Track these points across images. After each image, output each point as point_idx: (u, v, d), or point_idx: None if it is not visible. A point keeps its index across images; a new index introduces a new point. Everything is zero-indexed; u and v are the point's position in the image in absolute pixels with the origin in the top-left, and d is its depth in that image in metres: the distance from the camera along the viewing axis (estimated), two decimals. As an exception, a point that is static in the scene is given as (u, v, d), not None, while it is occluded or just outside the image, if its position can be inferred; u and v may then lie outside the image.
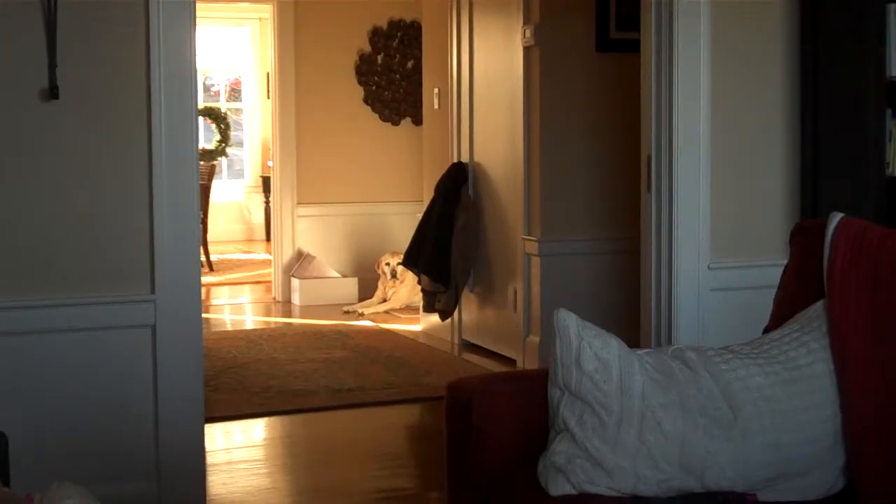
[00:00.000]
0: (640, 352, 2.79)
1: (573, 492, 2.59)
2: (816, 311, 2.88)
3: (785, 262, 3.22)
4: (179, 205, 3.88)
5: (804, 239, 3.09)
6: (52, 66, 3.71)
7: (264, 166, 14.36)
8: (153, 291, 3.87)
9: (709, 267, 4.41)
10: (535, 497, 2.63)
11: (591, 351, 2.66)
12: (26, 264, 3.75)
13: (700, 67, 4.37)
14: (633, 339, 3.91)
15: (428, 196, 7.78)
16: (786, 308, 3.03)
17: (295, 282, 9.55)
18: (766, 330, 3.06)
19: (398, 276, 8.95)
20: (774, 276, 3.26)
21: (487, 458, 2.83)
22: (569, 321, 2.70)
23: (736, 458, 2.61)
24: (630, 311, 4.96)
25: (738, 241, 4.50)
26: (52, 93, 3.72)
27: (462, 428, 2.88)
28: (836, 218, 2.99)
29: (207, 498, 4.10)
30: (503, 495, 2.76)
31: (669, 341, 4.33)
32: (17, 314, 3.73)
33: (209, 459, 4.13)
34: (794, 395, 2.71)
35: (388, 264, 9.10)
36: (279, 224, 9.88)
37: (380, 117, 10.00)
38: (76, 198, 3.80)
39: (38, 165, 3.75)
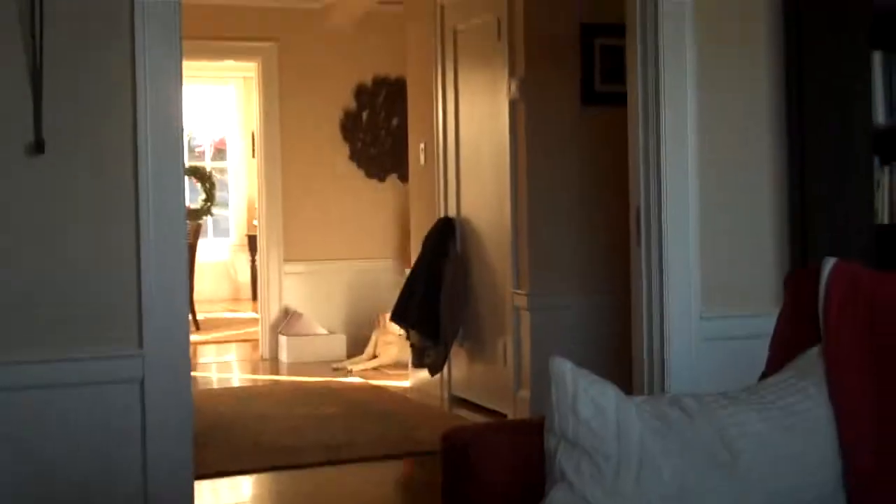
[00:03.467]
0: (637, 399, 2.77)
1: (572, 541, 2.55)
2: (813, 356, 2.86)
3: (776, 311, 3.20)
4: (167, 258, 3.85)
5: (798, 284, 3.08)
6: (38, 119, 3.69)
7: (250, 225, 14.35)
8: (141, 346, 3.83)
9: (700, 317, 4.39)
10: (533, 547, 2.59)
11: (587, 397, 2.63)
12: (12, 319, 3.70)
13: (687, 119, 4.37)
14: (626, 391, 3.87)
15: (415, 252, 7.77)
16: (782, 354, 3.01)
17: (282, 339, 9.51)
18: (763, 376, 3.04)
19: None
20: (766, 325, 3.24)
21: (484, 509, 2.79)
22: (564, 368, 2.68)
23: (736, 505, 2.58)
24: (622, 364, 4.93)
25: (729, 290, 4.48)
26: (38, 147, 3.69)
27: (458, 477, 2.84)
28: (830, 262, 2.98)
29: (197, 556, 4.04)
30: (500, 546, 2.72)
31: (663, 392, 4.31)
32: (1, 370, 3.68)
33: (198, 517, 4.08)
34: (792, 440, 2.68)
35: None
36: (266, 281, 9.85)
37: (365, 174, 10.02)
38: (62, 252, 3.76)
39: (23, 220, 3.71)
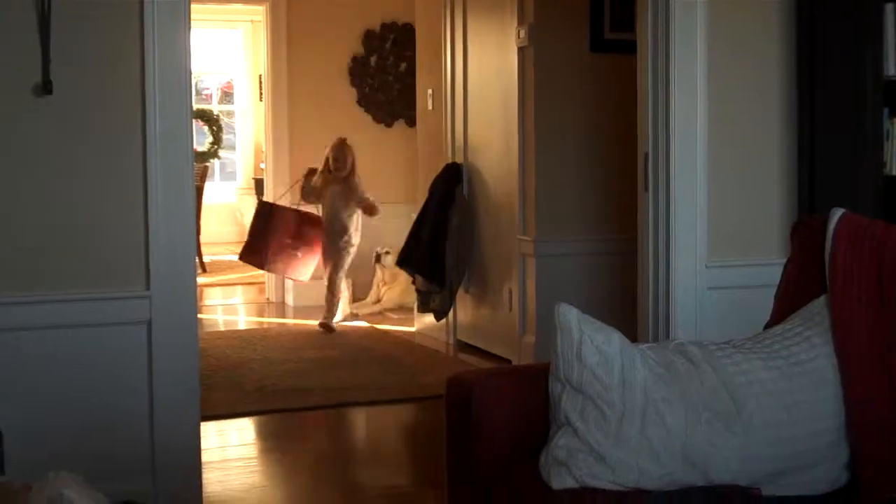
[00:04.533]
0: (641, 346, 2.78)
1: (575, 485, 2.57)
2: (818, 305, 2.87)
3: (782, 260, 3.21)
4: (174, 200, 3.86)
5: (806, 234, 3.08)
6: (46, 61, 3.68)
7: (256, 168, 14.33)
8: (148, 288, 3.85)
9: (706, 266, 4.40)
10: (536, 490, 2.61)
11: (592, 345, 2.64)
12: (21, 260, 3.72)
13: (696, 66, 4.36)
14: (630, 338, 3.88)
15: (422, 197, 7.77)
16: (787, 303, 3.02)
17: (288, 282, 9.53)
18: (768, 325, 3.05)
19: (382, 261, 9.18)
20: (772, 274, 3.25)
21: (488, 452, 2.81)
22: (570, 315, 2.69)
23: (739, 453, 2.59)
24: (626, 311, 4.95)
25: (735, 239, 4.49)
26: (46, 88, 3.69)
27: (462, 422, 2.87)
28: (838, 213, 2.99)
29: (203, 496, 4.07)
30: (504, 489, 2.74)
31: (668, 340, 4.32)
32: (12, 310, 3.70)
33: (203, 457, 4.11)
34: (796, 389, 2.69)
35: (376, 253, 9.19)
36: (272, 225, 9.84)
37: (373, 119, 10.00)
38: (70, 193, 3.77)
39: (32, 160, 3.72)
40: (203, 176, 11.92)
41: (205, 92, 15.79)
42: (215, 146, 14.99)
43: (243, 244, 8.86)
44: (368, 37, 9.96)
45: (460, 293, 7.40)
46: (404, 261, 7.70)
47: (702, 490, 2.55)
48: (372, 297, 9.29)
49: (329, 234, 8.49)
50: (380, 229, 9.19)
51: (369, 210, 8.50)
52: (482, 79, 7.17)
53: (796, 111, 4.53)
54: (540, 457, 2.68)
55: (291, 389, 6.27)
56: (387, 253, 9.08)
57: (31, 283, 3.73)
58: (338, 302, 8.52)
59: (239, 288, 10.89)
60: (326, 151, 8.53)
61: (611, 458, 2.56)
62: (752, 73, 4.49)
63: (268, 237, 8.48)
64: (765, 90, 4.51)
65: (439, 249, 7.27)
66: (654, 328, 4.43)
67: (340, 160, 8.43)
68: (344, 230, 8.43)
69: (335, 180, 8.48)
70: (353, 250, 8.59)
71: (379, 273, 9.25)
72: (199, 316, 5.02)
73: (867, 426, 2.70)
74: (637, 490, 2.54)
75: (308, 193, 8.69)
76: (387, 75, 10.01)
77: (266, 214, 8.66)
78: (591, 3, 6.46)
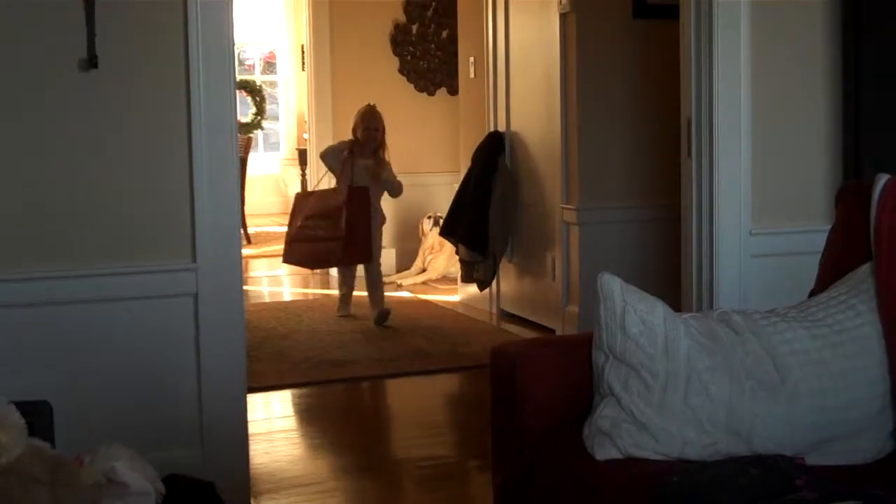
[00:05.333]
0: (685, 315, 2.78)
1: (619, 455, 2.58)
2: (863, 273, 2.85)
3: (827, 227, 3.18)
4: (219, 173, 3.88)
5: (850, 200, 3.05)
6: (91, 35, 3.70)
7: (300, 139, 14.36)
8: (194, 260, 3.88)
9: (750, 233, 4.38)
10: (580, 461, 2.63)
11: (635, 315, 2.64)
12: (67, 234, 3.76)
13: (740, 30, 4.32)
14: (674, 307, 3.85)
15: (465, 166, 7.76)
16: (832, 271, 3.00)
17: (333, 254, 9.55)
18: (812, 293, 3.03)
19: (439, 224, 8.79)
20: (817, 241, 3.22)
21: (531, 423, 2.82)
22: (613, 285, 2.69)
23: (783, 422, 2.59)
24: (670, 279, 4.93)
25: (780, 206, 4.46)
26: (92, 62, 3.71)
27: (506, 393, 2.88)
28: (883, 179, 2.95)
29: (250, 467, 4.11)
30: (548, 459, 2.76)
31: (711, 309, 4.30)
32: (60, 284, 3.74)
33: (250, 429, 4.14)
34: (841, 358, 2.68)
35: (429, 217, 9.13)
36: (316, 196, 9.86)
37: (415, 87, 9.97)
38: (116, 167, 3.80)
39: (77, 135, 3.75)
40: (247, 147, 11.96)
41: (247, 62, 15.82)
42: (259, 117, 15.02)
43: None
44: (410, 4, 9.93)
45: (504, 263, 7.40)
46: (448, 231, 7.70)
47: (746, 459, 2.55)
48: (417, 265, 9.30)
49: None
50: (422, 198, 9.20)
51: (395, 189, 7.57)
52: (524, 46, 7.14)
53: (842, 75, 4.48)
54: (584, 427, 2.69)
55: (337, 360, 6.30)
56: (441, 217, 8.91)
57: (77, 257, 3.77)
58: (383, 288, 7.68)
59: (284, 259, 10.93)
60: (355, 121, 7.57)
61: (654, 427, 2.56)
62: (796, 37, 4.45)
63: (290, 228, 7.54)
64: (810, 54, 4.47)
65: (482, 219, 7.26)
66: (698, 296, 4.41)
67: (372, 129, 7.45)
68: (376, 211, 7.51)
69: (365, 154, 7.46)
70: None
71: (430, 239, 9.21)
72: (245, 287, 5.05)
73: (913, 394, 2.68)
74: (681, 460, 2.55)
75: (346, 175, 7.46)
76: (429, 43, 9.99)
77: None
78: (634, -31, 6.42)
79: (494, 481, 3.02)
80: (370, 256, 7.40)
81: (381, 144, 7.48)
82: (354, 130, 7.53)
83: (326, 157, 7.59)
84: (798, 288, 3.20)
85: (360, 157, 7.42)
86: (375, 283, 7.54)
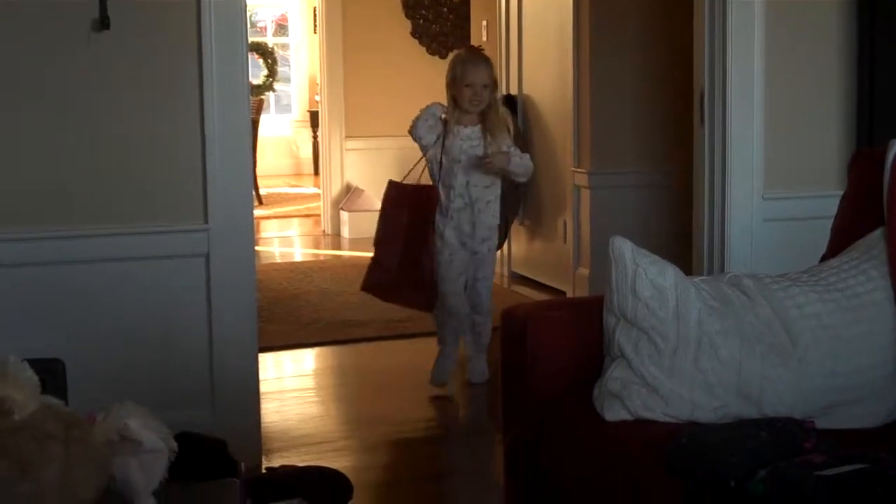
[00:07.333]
0: (696, 279, 2.78)
1: (629, 417, 2.59)
2: (876, 238, 2.84)
3: (840, 192, 3.17)
4: (231, 134, 3.88)
5: (863, 166, 3.05)
6: (104, -6, 3.70)
7: (311, 101, 14.35)
8: (206, 221, 3.88)
9: (763, 197, 4.37)
10: (590, 422, 2.64)
11: (646, 278, 2.64)
12: (80, 194, 3.77)
13: (754, 1, 4.29)
14: (686, 271, 3.88)
15: (477, 128, 7.74)
16: (844, 236, 3.00)
17: (344, 215, 9.57)
18: (824, 258, 3.03)
19: None
20: (829, 206, 3.22)
21: (542, 384, 2.83)
22: (624, 248, 2.69)
23: (793, 385, 2.59)
24: (681, 244, 4.93)
25: (792, 171, 4.45)
26: (104, 23, 3.71)
27: (517, 354, 2.89)
28: (897, 145, 2.95)
29: (261, 426, 4.13)
30: (558, 420, 2.77)
31: (722, 272, 4.30)
32: (72, 243, 3.75)
33: (261, 388, 4.16)
34: (852, 322, 2.68)
35: None
36: (328, 158, 9.88)
37: (427, 50, 9.94)
38: (128, 128, 3.80)
39: (90, 96, 3.76)
40: (258, 109, 11.95)
41: (259, 24, 15.78)
42: (270, 79, 15.01)
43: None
44: (423, -34, 9.89)
45: (515, 225, 7.40)
46: (459, 193, 7.65)
47: (756, 422, 2.55)
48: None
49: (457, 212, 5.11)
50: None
51: (525, 171, 5.22)
52: (537, 9, 7.11)
53: (856, 43, 4.46)
54: (594, 389, 2.70)
55: (348, 321, 6.32)
56: None
57: (89, 216, 3.78)
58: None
59: (295, 220, 10.96)
60: (452, 73, 5.09)
61: (664, 390, 2.57)
62: (811, 7, 4.42)
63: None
64: (824, 25, 4.44)
65: (494, 181, 7.20)
66: (710, 260, 4.41)
67: (479, 85, 4.97)
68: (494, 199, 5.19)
69: (469, 119, 5.05)
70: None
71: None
72: (256, 248, 5.06)
73: (923, 359, 2.68)
74: (691, 422, 2.55)
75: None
76: (441, 6, 9.95)
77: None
78: (649, -67, 6.38)
79: (504, 441, 3.04)
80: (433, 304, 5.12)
81: (491, 106, 5.05)
82: (450, 85, 5.10)
83: (417, 130, 5.10)
84: (810, 252, 3.20)
85: (462, 125, 5.04)
86: (484, 319, 5.25)
